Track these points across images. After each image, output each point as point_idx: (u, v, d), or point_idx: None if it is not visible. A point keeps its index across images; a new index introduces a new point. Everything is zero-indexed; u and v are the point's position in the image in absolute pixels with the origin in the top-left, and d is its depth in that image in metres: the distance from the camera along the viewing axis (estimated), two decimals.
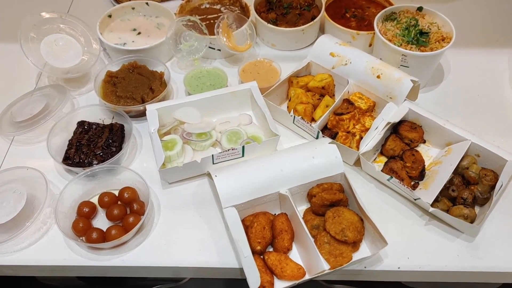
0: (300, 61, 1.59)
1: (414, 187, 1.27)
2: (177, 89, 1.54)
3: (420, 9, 1.52)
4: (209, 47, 1.57)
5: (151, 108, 1.34)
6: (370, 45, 1.60)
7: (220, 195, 1.13)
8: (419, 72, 1.45)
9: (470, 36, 1.71)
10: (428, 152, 1.36)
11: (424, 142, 1.38)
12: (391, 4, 1.66)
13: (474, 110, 1.49)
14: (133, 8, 1.67)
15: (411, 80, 1.34)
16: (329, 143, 1.24)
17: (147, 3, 1.66)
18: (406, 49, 1.41)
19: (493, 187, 1.23)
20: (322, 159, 1.21)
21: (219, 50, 1.58)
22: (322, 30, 1.71)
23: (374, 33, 1.53)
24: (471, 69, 1.60)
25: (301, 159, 1.21)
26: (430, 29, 1.46)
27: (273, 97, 1.44)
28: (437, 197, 1.19)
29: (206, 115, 1.41)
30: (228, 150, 1.25)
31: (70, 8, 1.83)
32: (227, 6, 1.71)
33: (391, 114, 1.34)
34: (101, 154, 1.29)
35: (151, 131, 1.29)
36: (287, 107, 1.46)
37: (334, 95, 1.48)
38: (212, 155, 1.24)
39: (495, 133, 1.41)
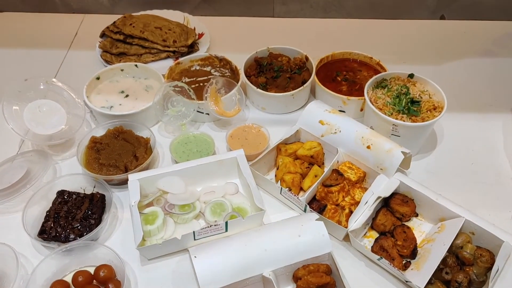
0: (290, 124, 1.57)
1: (406, 266, 1.21)
2: (163, 154, 1.50)
3: (411, 76, 1.50)
4: (198, 111, 1.54)
5: (133, 179, 1.30)
6: (362, 109, 1.58)
7: (198, 278, 1.07)
8: (411, 141, 1.42)
9: (463, 100, 1.69)
10: (420, 227, 1.30)
11: (417, 215, 1.32)
12: (382, 68, 1.65)
13: (469, 179, 1.44)
14: (122, 70, 1.66)
15: (402, 152, 1.30)
16: (316, 219, 1.19)
17: (136, 65, 1.66)
18: (397, 118, 1.38)
19: (489, 269, 1.16)
20: (309, 237, 1.15)
21: (208, 114, 1.56)
22: (313, 93, 1.69)
23: (364, 99, 1.51)
24: (465, 136, 1.57)
25: (286, 237, 1.15)
26: (421, 97, 1.43)
27: (261, 165, 1.40)
28: (430, 279, 1.12)
29: (191, 184, 1.37)
30: (211, 225, 1.20)
31: (60, 68, 1.82)
32: (217, 68, 1.70)
33: (381, 187, 1.29)
34: (79, 227, 1.24)
35: (132, 204, 1.24)
36: (275, 175, 1.41)
37: (323, 164, 1.44)
38: (194, 232, 1.18)
39: (491, 206, 1.36)
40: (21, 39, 1.97)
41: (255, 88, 1.57)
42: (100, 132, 1.48)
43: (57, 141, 1.43)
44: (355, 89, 1.61)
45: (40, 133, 1.40)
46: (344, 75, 1.66)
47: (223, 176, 1.40)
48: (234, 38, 1.97)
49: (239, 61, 1.67)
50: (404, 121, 1.38)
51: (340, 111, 1.58)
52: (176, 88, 1.51)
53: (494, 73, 1.81)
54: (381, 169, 1.33)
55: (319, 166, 1.42)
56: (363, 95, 1.57)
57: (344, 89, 1.61)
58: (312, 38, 1.97)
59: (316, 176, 1.36)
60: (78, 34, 1.98)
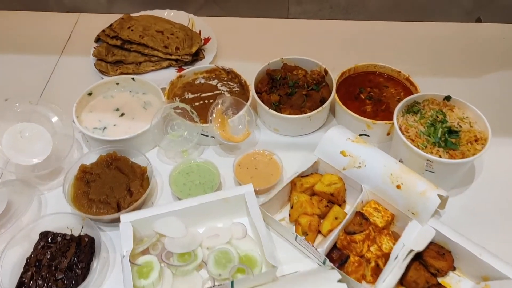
0: (307, 149, 1.40)
1: None
2: (162, 184, 1.33)
3: (447, 98, 1.29)
4: (202, 134, 1.36)
5: (126, 221, 1.13)
6: (388, 133, 1.38)
7: None
8: (447, 177, 1.23)
9: (506, 122, 1.47)
10: (459, 284, 1.12)
11: (454, 269, 1.14)
12: (412, 84, 1.44)
13: None
14: (117, 84, 1.47)
15: (439, 195, 1.11)
16: (338, 280, 1.01)
17: (133, 78, 1.47)
18: (432, 152, 1.19)
19: None
20: None
21: (213, 137, 1.37)
22: (332, 110, 1.49)
23: (392, 123, 1.31)
24: (509, 167, 1.36)
25: None
26: (460, 126, 1.23)
27: (272, 202, 1.22)
28: None
29: (193, 224, 1.19)
30: (214, 286, 1.03)
31: (50, 78, 1.63)
32: (225, 82, 1.50)
33: (413, 236, 1.11)
34: (63, 279, 1.08)
35: (123, 253, 1.07)
36: (289, 214, 1.23)
37: (344, 201, 1.26)
38: None
39: None
40: (6, 42, 1.78)
41: (266, 108, 1.37)
42: (91, 158, 1.30)
43: (41, 171, 1.26)
44: (381, 109, 1.41)
45: (22, 163, 1.23)
46: (369, 92, 1.45)
47: (229, 215, 1.22)
48: (243, 43, 1.76)
49: (249, 72, 1.48)
50: (440, 156, 1.18)
51: (363, 135, 1.39)
52: (177, 110, 1.32)
53: None
54: (412, 213, 1.14)
55: (340, 205, 1.24)
56: (389, 117, 1.37)
57: (368, 109, 1.41)
58: (331, 43, 1.76)
59: (336, 218, 1.18)
60: (72, 37, 1.79)
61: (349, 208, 1.25)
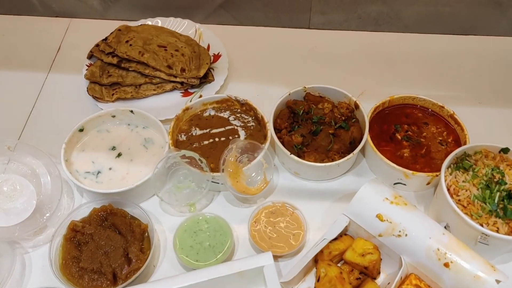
0: (333, 197, 1.23)
1: None
2: (166, 242, 1.14)
3: (505, 151, 1.09)
4: (212, 182, 1.16)
5: None
6: (429, 183, 1.18)
7: None
8: (502, 250, 1.05)
9: None
10: None
11: None
12: (457, 123, 1.23)
13: None
14: (113, 116, 1.27)
15: (496, 280, 0.93)
16: None
17: (131, 111, 1.26)
18: (487, 222, 1.00)
19: None
20: None
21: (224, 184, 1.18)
22: (362, 150, 1.29)
23: (434, 175, 1.12)
24: None
25: None
26: None
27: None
28: None
29: None
30: None
31: (36, 103, 1.42)
32: (238, 115, 1.29)
33: None
34: None
35: None
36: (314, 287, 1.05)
37: (379, 273, 1.08)
38: None
39: None
40: None
41: (288, 153, 1.17)
42: (83, 210, 1.12)
43: (24, 233, 1.07)
44: (420, 154, 1.21)
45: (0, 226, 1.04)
46: (406, 131, 1.25)
47: (245, 286, 1.05)
48: (258, 59, 1.53)
49: (266, 98, 1.29)
50: (497, 228, 0.99)
51: (399, 183, 1.20)
52: (183, 159, 1.12)
53: None
54: None
55: (374, 278, 1.06)
56: (430, 163, 1.19)
57: (406, 153, 1.21)
58: (358, 59, 1.53)
59: None
60: (62, 48, 1.56)
61: (384, 280, 1.08)
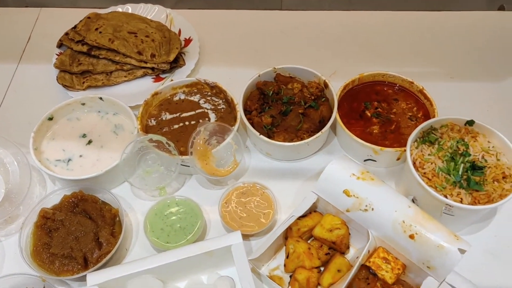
0: (304, 176, 1.24)
1: None
2: (138, 226, 1.15)
3: (470, 123, 1.10)
4: (182, 165, 1.17)
5: (93, 283, 0.97)
6: (399, 158, 1.19)
7: None
8: (467, 220, 1.06)
9: None
10: None
11: None
12: (426, 98, 1.24)
13: None
14: (83, 104, 1.26)
15: (460, 249, 0.94)
16: None
17: (101, 98, 1.25)
18: (452, 193, 1.01)
19: None
20: None
21: None
22: (333, 128, 1.29)
23: (403, 150, 1.12)
24: None
25: None
26: (485, 160, 1.04)
27: (264, 251, 1.05)
28: None
29: (173, 278, 1.04)
30: None
31: (6, 95, 1.41)
32: (208, 98, 1.29)
33: None
34: None
35: None
36: (284, 265, 1.06)
37: (348, 248, 1.09)
38: None
39: None
40: None
41: (257, 134, 1.17)
42: (54, 198, 1.12)
43: None
44: (390, 130, 1.21)
45: None
46: (376, 108, 1.25)
47: (215, 267, 1.06)
48: (231, 42, 1.53)
49: (237, 81, 1.27)
50: (461, 198, 1.00)
51: (370, 160, 1.21)
52: (151, 143, 1.12)
53: None
54: (428, 267, 0.97)
55: (343, 253, 1.07)
56: (400, 139, 1.20)
57: (375, 130, 1.21)
58: (330, 39, 1.53)
59: (339, 271, 1.02)
60: (32, 38, 1.55)
61: (354, 254, 1.09)
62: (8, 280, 1.01)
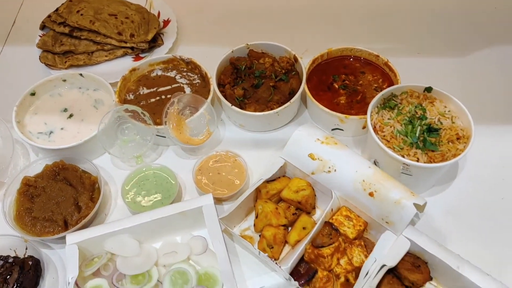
0: (275, 146, 1.29)
1: None
2: (117, 193, 1.21)
3: (428, 90, 1.16)
4: (158, 135, 1.23)
5: (72, 242, 1.03)
6: (364, 127, 1.26)
7: None
8: (425, 180, 1.12)
9: (493, 108, 1.35)
10: None
11: (431, 279, 1.05)
12: (391, 70, 1.30)
13: (499, 221, 1.14)
14: (64, 81, 1.33)
15: (415, 204, 1.01)
16: None
17: (81, 74, 1.32)
18: (409, 154, 1.07)
19: None
20: None
21: None
22: (304, 100, 1.36)
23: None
24: (495, 158, 1.25)
25: None
26: (441, 123, 1.10)
27: (235, 211, 1.11)
28: None
29: (148, 239, 1.10)
30: None
31: None
32: (184, 74, 1.36)
33: (387, 248, 1.01)
34: None
35: (68, 280, 0.98)
36: (254, 224, 1.13)
37: (314, 208, 1.15)
38: None
39: None
40: None
41: (229, 105, 1.24)
42: (36, 168, 1.18)
43: None
44: (356, 101, 1.28)
45: None
46: (343, 81, 1.31)
47: (189, 228, 1.12)
48: (208, 22, 1.60)
49: (212, 60, 1.33)
50: (418, 158, 1.06)
51: (337, 129, 1.27)
52: (127, 113, 1.18)
53: None
54: (387, 222, 1.04)
55: (309, 212, 1.13)
56: (365, 109, 1.24)
57: (342, 100, 1.28)
58: (303, 18, 1.59)
59: (304, 228, 1.08)
60: (17, 23, 1.61)
61: (319, 215, 1.15)
62: None
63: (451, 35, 1.54)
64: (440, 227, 1.14)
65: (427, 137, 1.08)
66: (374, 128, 1.12)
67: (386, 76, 1.32)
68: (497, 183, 1.21)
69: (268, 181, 1.15)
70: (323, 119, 1.27)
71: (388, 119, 1.12)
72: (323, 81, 1.33)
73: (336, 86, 1.30)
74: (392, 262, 0.99)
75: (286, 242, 1.11)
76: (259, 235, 1.12)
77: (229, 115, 1.33)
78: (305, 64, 1.31)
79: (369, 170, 1.07)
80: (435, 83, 1.27)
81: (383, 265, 0.99)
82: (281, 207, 1.12)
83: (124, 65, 1.44)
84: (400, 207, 1.01)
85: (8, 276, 1.03)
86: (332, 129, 1.28)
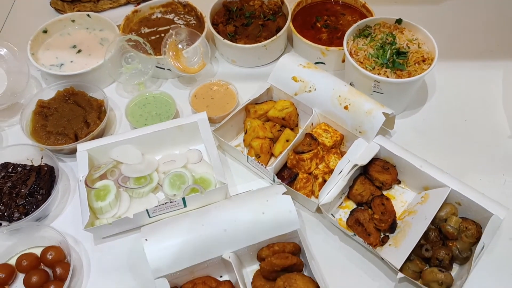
0: (264, 79, 1.41)
1: (383, 241, 1.10)
2: (121, 117, 1.35)
3: (399, 21, 1.30)
4: (158, 67, 1.37)
5: (82, 149, 1.17)
6: (343, 61, 1.39)
7: (150, 264, 0.97)
8: (395, 98, 1.26)
9: (459, 46, 1.49)
10: (402, 196, 1.18)
11: (399, 182, 1.19)
12: (368, 11, 1.44)
13: (461, 139, 1.29)
14: (73, 21, 1.47)
15: (384, 113, 1.15)
16: (283, 193, 1.06)
17: (88, 15, 1.46)
18: (379, 73, 1.21)
19: (475, 243, 1.05)
20: (273, 214, 1.03)
21: (170, 70, 1.39)
22: (291, 42, 1.50)
23: None
24: (459, 87, 1.39)
25: (249, 215, 1.03)
26: (409, 47, 1.24)
27: (228, 128, 1.25)
28: (409, 255, 1.02)
29: (149, 152, 1.23)
30: (166, 203, 1.08)
31: (8, 18, 1.62)
32: (182, 16, 1.50)
33: (359, 153, 1.15)
34: (24, 204, 1.13)
35: (79, 179, 1.12)
36: (243, 140, 1.27)
37: (297, 125, 1.29)
38: (147, 210, 1.07)
39: (484, 169, 1.22)
40: None
41: (221, 38, 1.38)
42: (49, 94, 1.32)
43: None
44: (336, 37, 1.42)
45: None
46: (325, 21, 1.45)
47: (185, 142, 1.26)
48: None
49: (207, 4, 1.46)
50: (387, 76, 1.20)
51: (319, 62, 1.41)
52: (130, 43, 1.32)
53: (499, 12, 1.59)
54: (360, 132, 1.18)
55: (292, 129, 1.27)
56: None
57: (324, 37, 1.42)
58: None
59: (287, 140, 1.22)
60: None
61: (301, 132, 1.29)
62: (13, 150, 1.21)
63: None
64: (408, 141, 1.26)
65: (396, 59, 1.22)
66: (350, 53, 1.26)
67: (364, 16, 1.45)
68: (462, 108, 1.35)
69: (257, 104, 1.29)
70: (307, 53, 1.40)
71: (362, 45, 1.26)
72: (307, 21, 1.46)
73: (319, 25, 1.44)
74: (363, 162, 1.13)
75: (272, 154, 1.25)
76: (246, 150, 1.26)
77: (222, 51, 1.47)
78: (291, 6, 1.45)
79: (345, 88, 1.21)
80: None
81: (355, 164, 1.13)
82: (268, 124, 1.26)
83: (127, 12, 1.57)
84: (372, 117, 1.15)
85: (27, 179, 1.17)
86: (315, 63, 1.41)
